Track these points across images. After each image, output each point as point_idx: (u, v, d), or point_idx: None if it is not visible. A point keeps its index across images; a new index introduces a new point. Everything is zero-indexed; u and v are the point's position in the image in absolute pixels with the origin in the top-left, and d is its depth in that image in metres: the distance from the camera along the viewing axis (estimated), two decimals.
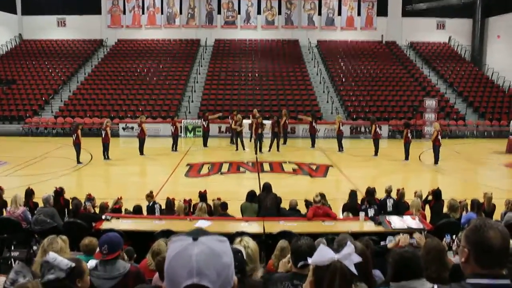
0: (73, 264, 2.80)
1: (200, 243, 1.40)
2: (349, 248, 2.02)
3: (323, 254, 2.00)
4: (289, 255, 4.13)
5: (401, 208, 9.41)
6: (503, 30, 32.01)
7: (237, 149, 20.10)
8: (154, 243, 5.72)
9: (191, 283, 1.37)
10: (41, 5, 33.83)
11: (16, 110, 26.85)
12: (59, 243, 4.14)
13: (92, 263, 4.29)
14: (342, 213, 9.41)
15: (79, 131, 17.23)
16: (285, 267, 4.05)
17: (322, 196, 8.99)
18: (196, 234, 1.44)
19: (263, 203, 9.38)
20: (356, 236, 5.07)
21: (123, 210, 9.49)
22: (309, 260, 2.06)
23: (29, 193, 9.52)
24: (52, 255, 2.79)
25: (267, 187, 9.68)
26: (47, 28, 34.62)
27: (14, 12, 34.38)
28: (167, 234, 6.94)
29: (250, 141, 20.17)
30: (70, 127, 24.31)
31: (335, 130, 21.07)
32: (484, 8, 32.74)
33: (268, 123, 20.68)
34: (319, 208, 8.56)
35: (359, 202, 9.90)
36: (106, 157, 18.00)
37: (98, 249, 4.65)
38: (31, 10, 34.39)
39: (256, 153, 19.01)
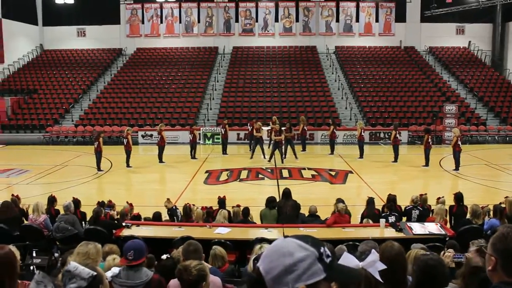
0: (95, 273, 2.79)
1: (282, 240, 1.52)
2: (374, 255, 1.99)
3: (347, 262, 1.97)
4: None
5: (425, 215, 9.27)
6: None
7: (251, 157, 19.80)
8: (174, 250, 5.71)
9: (257, 263, 1.52)
10: (61, 16, 34.39)
11: (38, 119, 27.25)
12: (87, 247, 4.16)
13: (115, 270, 4.30)
14: (361, 221, 9.32)
15: (100, 139, 17.39)
16: None
17: (340, 201, 8.96)
18: (294, 235, 1.55)
19: (282, 209, 9.35)
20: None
21: (129, 215, 9.47)
22: None
23: (51, 200, 9.61)
24: (73, 264, 2.78)
25: (286, 194, 9.64)
26: (67, 38, 35.19)
27: (35, 24, 35.01)
28: (186, 241, 6.93)
29: (269, 147, 20.05)
30: (90, 135, 24.65)
31: (356, 136, 20.98)
32: (505, 12, 32.38)
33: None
34: (342, 216, 8.49)
35: (378, 208, 9.80)
36: (128, 165, 18.11)
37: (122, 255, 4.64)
38: (52, 21, 35.00)
39: (269, 160, 18.89)
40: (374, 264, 1.97)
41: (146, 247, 4.43)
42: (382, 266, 2.00)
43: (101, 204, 9.45)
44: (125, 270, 4.16)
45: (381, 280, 1.97)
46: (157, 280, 4.20)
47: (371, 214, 9.33)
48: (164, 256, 5.31)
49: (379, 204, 10.27)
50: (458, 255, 5.01)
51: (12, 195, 9.92)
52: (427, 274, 2.89)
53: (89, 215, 9.26)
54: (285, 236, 1.53)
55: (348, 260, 2.00)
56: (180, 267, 3.84)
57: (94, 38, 35.14)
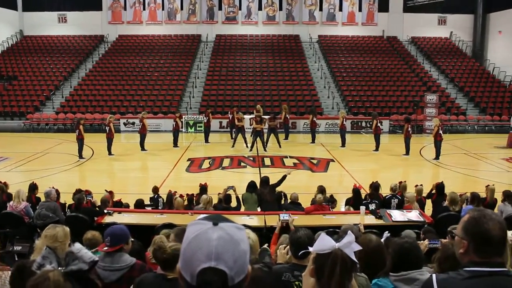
0: (96, 258, 2.86)
1: (219, 229, 1.44)
2: (350, 236, 2.06)
3: (324, 243, 2.03)
4: (284, 245, 4.16)
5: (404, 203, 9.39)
6: (505, 26, 31.95)
7: (233, 146, 19.73)
8: (156, 236, 5.74)
9: (208, 266, 1.39)
10: (42, 1, 33.89)
11: (18, 106, 26.89)
12: (55, 230, 4.13)
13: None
14: (345, 206, 9.44)
15: (81, 126, 17.26)
16: (284, 258, 4.07)
17: (321, 190, 9.06)
18: (216, 219, 1.48)
19: (263, 197, 9.50)
20: None
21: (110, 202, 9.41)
22: (310, 249, 2.09)
23: (33, 187, 9.54)
24: (77, 246, 2.85)
25: (263, 181, 9.86)
26: (48, 24, 34.64)
27: (15, 9, 34.39)
28: (168, 227, 6.97)
29: (251, 136, 20.05)
30: (71, 123, 24.41)
31: (338, 125, 21.14)
32: (486, 3, 32.71)
33: (265, 118, 20.44)
34: (322, 207, 8.58)
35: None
36: (110, 152, 18.01)
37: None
38: (32, 6, 34.40)
39: (250, 150, 18.91)
40: (350, 245, 2.04)
41: (127, 234, 4.36)
42: (358, 247, 2.07)
43: (76, 192, 9.37)
44: (107, 255, 4.17)
45: (356, 261, 2.04)
46: (140, 265, 4.22)
47: (356, 204, 9.35)
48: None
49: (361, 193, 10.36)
50: (434, 240, 5.13)
51: None
52: (402, 257, 2.98)
53: (69, 203, 9.24)
54: (214, 224, 1.45)
55: (324, 241, 2.06)
56: (156, 247, 3.88)
57: (76, 24, 34.64)
